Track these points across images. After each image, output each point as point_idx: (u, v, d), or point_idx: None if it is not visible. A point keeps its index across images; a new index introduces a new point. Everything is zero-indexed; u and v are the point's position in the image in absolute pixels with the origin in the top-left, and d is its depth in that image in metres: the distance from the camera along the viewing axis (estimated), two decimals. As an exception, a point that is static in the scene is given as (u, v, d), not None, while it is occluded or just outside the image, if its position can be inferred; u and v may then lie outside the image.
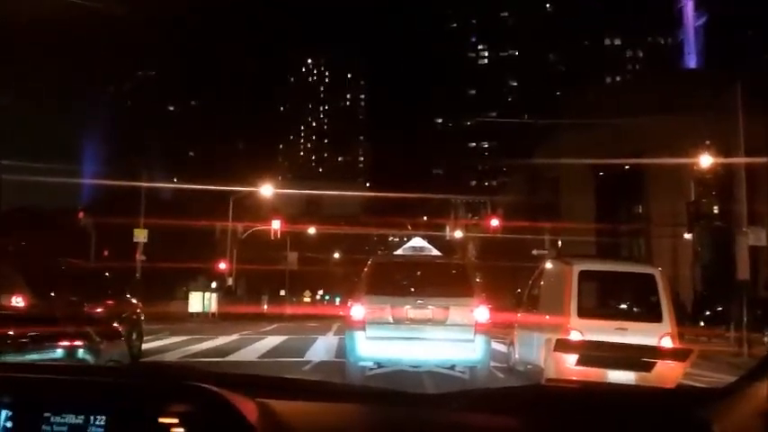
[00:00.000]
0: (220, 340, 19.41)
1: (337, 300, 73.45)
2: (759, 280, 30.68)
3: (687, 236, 32.36)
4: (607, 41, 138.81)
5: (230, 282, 37.49)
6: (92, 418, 1.50)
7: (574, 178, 39.84)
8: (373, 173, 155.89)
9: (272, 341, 19.34)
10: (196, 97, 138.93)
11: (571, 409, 1.59)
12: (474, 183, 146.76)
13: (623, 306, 11.33)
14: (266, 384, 1.77)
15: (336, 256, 70.50)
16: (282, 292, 50.38)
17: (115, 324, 10.90)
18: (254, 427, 1.43)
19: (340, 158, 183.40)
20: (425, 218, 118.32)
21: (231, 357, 14.74)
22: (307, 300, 60.22)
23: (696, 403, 1.48)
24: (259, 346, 17.88)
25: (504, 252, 41.40)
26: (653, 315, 10.14)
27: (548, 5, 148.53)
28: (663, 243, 33.93)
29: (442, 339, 10.00)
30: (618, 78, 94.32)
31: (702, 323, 25.05)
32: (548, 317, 10.91)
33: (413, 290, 10.55)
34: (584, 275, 10.55)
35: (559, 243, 41.32)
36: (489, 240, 49.20)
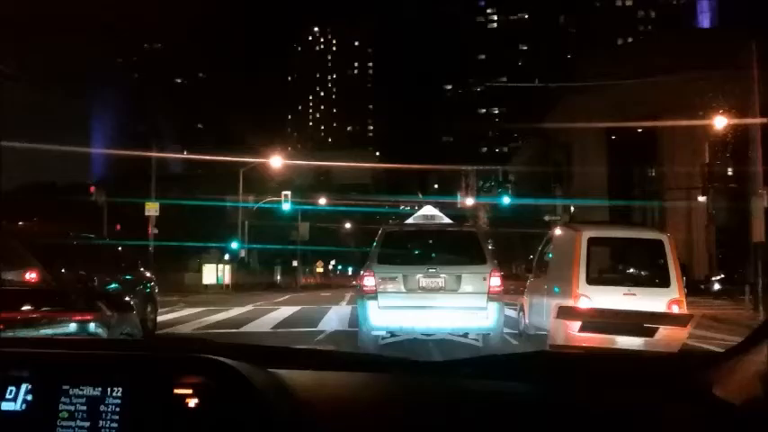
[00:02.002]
0: (234, 311, 19.51)
1: (350, 270, 73.72)
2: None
3: (701, 199, 32.00)
4: (618, 2, 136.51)
5: (243, 254, 37.58)
6: (108, 389, 1.54)
7: (586, 142, 39.42)
8: (383, 142, 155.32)
9: (286, 312, 19.41)
10: (204, 69, 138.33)
11: (575, 374, 1.63)
12: (485, 150, 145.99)
13: (631, 272, 11.23)
14: (279, 355, 1.80)
15: (348, 226, 70.59)
16: (295, 263, 50.49)
17: (127, 297, 10.90)
18: (267, 397, 1.47)
19: (349, 128, 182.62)
20: (436, 186, 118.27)
21: (245, 328, 14.80)
22: (319, 270, 60.36)
23: (697, 367, 1.50)
24: (272, 316, 17.95)
25: (517, 218, 41.28)
26: (661, 281, 10.15)
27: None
28: (677, 206, 33.58)
29: (455, 307, 9.99)
30: (630, 40, 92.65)
31: (718, 285, 24.86)
32: (557, 283, 10.96)
33: (424, 258, 10.55)
34: (592, 241, 10.53)
35: (572, 208, 41.13)
36: (501, 207, 49.00)
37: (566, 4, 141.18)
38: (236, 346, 1.91)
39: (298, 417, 1.46)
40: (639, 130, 37.69)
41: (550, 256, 12.14)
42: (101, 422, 1.52)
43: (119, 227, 32.81)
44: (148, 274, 15.02)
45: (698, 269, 32.15)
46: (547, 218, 39.23)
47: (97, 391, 1.54)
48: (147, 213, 30.37)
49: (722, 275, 26.04)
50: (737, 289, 23.12)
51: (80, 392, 1.55)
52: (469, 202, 57.93)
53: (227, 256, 37.98)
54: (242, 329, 14.55)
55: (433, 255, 10.62)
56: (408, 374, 1.74)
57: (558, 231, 12.56)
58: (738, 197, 33.54)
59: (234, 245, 36.90)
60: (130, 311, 7.81)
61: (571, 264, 10.36)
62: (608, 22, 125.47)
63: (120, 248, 15.09)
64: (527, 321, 12.19)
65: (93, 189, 32.14)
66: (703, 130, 30.83)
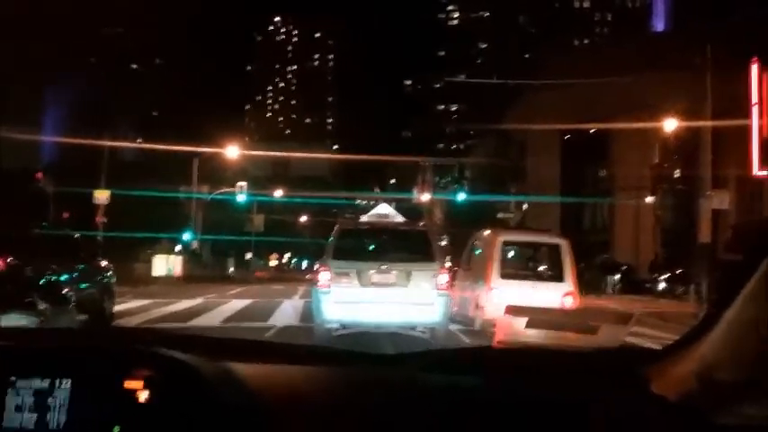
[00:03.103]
0: (184, 304, 19.25)
1: (305, 263, 73.46)
2: (719, 243, 31.46)
3: (649, 199, 32.86)
4: (576, 4, 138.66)
5: (195, 245, 37.05)
6: (57, 381, 1.51)
7: (541, 141, 40.03)
8: (342, 135, 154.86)
9: (237, 305, 19.24)
10: (160, 55, 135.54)
11: (519, 369, 1.67)
12: (442, 146, 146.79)
13: (536, 269, 13.93)
14: (230, 347, 1.79)
15: (304, 218, 70.25)
16: (249, 256, 50.02)
17: (65, 290, 10.56)
18: (218, 390, 1.47)
19: (308, 120, 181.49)
20: (393, 181, 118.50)
21: (194, 322, 14.61)
22: (273, 263, 59.96)
23: (637, 363, 1.53)
24: (223, 310, 17.78)
25: (473, 215, 41.66)
26: (558, 276, 12.81)
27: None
28: (626, 207, 34.44)
29: (405, 302, 10.55)
30: (586, 41, 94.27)
31: (663, 285, 25.57)
32: (477, 277, 13.25)
33: (377, 255, 11.11)
34: (505, 244, 13.38)
35: (524, 206, 41.76)
36: (456, 203, 49.47)
37: (526, 4, 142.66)
38: (187, 338, 1.90)
39: (249, 410, 1.46)
40: (592, 131, 38.42)
41: (475, 253, 14.30)
42: (49, 415, 1.50)
43: (67, 215, 31.99)
44: (105, 264, 14.75)
45: (644, 268, 32.99)
46: (501, 215, 39.79)
47: (45, 383, 1.52)
48: (95, 202, 29.64)
49: (668, 275, 26.79)
50: (682, 288, 23.81)
51: (28, 384, 1.53)
52: (425, 198, 58.50)
53: (178, 248, 37.40)
54: (190, 323, 14.34)
55: (386, 252, 11.13)
56: (361, 367, 1.75)
57: (482, 233, 14.62)
58: (685, 198, 34.60)
59: (186, 236, 36.34)
60: (67, 305, 7.61)
61: (488, 261, 12.95)
62: (566, 23, 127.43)
63: (76, 236, 14.74)
64: (455, 309, 13.29)
65: (40, 176, 31.25)
66: (654, 132, 31.67)
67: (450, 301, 11.51)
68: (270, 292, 27.09)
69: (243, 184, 34.52)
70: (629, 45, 41.26)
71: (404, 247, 11.31)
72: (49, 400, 1.51)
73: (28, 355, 1.66)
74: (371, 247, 11.50)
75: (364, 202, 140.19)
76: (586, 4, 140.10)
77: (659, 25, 49.97)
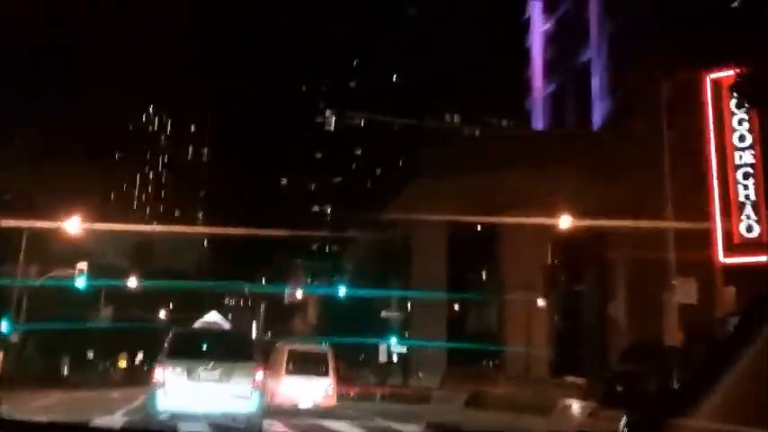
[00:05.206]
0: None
1: (160, 364, 65.75)
2: (612, 351, 29.64)
3: (541, 302, 30.89)
4: (447, 119, 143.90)
5: (15, 338, 30.36)
6: None
7: (426, 236, 37.75)
8: (213, 232, 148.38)
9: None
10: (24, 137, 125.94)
11: None
12: (316, 246, 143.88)
13: (313, 368, 19.38)
14: None
15: (162, 315, 63.53)
16: (91, 355, 42.94)
17: None
18: None
19: (177, 213, 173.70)
20: (264, 280, 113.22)
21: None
22: (122, 365, 52.37)
23: None
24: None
25: (351, 314, 38.14)
26: (324, 373, 19.21)
27: (394, 77, 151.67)
28: (516, 308, 32.12)
29: (226, 395, 12.39)
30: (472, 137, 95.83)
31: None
32: (274, 371, 18.71)
33: (205, 354, 13.00)
34: (291, 352, 19.70)
35: (409, 305, 38.81)
36: (333, 301, 45.82)
37: (404, 109, 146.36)
38: None
39: None
40: (479, 228, 36.70)
41: (274, 356, 20.37)
42: None
43: None
44: None
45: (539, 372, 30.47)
46: (384, 314, 36.70)
47: None
48: None
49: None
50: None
51: None
52: (299, 294, 54.65)
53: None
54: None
55: (212, 352, 13.04)
56: None
57: (279, 343, 21.99)
58: (580, 301, 33.08)
59: (3, 326, 29.42)
60: None
61: (280, 362, 19.16)
62: (439, 133, 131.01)
63: None
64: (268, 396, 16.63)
65: None
66: (545, 229, 30.11)
67: (264, 394, 13.69)
68: (99, 401, 21.43)
69: (83, 265, 28.85)
70: (514, 140, 40.68)
71: (227, 348, 13.35)
72: None
73: None
74: (200, 349, 13.28)
75: (233, 301, 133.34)
76: (456, 119, 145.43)
77: (538, 123, 50.59)
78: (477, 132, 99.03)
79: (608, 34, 43.35)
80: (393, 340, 36.15)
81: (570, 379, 16.97)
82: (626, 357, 26.72)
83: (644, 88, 34.18)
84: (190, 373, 12.26)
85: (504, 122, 77.97)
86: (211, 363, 12.42)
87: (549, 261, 30.60)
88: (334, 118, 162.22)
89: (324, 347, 20.85)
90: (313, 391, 18.69)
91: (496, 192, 33.15)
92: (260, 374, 12.67)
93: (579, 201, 28.71)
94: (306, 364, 19.31)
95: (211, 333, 14.46)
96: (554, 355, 31.19)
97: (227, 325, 15.91)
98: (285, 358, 18.90)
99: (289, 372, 18.55)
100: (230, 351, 13.01)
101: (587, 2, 46.64)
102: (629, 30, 39.30)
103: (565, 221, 27.43)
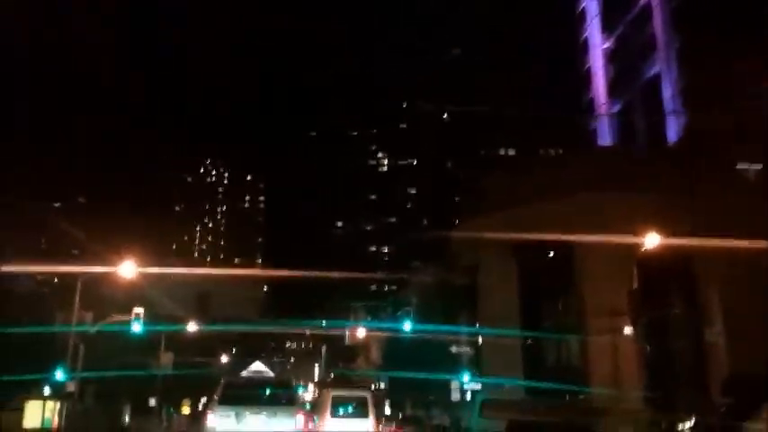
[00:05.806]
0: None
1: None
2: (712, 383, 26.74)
3: (628, 330, 28.22)
4: (502, 152, 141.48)
5: (72, 387, 29.16)
6: None
7: (493, 266, 35.54)
8: (271, 277, 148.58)
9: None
10: (85, 194, 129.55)
11: None
12: (374, 287, 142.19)
13: (353, 410, 21.88)
14: None
15: (224, 359, 62.59)
16: (152, 402, 41.83)
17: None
18: None
19: (237, 260, 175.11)
20: (324, 323, 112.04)
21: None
22: (185, 411, 51.24)
23: None
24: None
25: (419, 352, 36.06)
26: (364, 414, 21.59)
27: (444, 116, 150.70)
28: (601, 338, 29.42)
29: None
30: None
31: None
32: (320, 413, 22.48)
33: (252, 400, 15.22)
34: (335, 396, 22.40)
35: (480, 340, 36.46)
36: (397, 340, 43.77)
37: (453, 151, 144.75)
38: None
39: None
40: (551, 255, 34.31)
41: (320, 399, 25.36)
42: None
43: None
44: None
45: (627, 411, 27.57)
46: (454, 349, 34.54)
47: None
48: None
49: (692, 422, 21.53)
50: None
51: None
52: (361, 333, 52.85)
53: (46, 390, 29.60)
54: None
55: (258, 398, 15.28)
56: None
57: (324, 388, 28.08)
58: (673, 327, 30.30)
59: (59, 375, 28.14)
60: None
61: (324, 405, 22.23)
62: (491, 166, 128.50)
63: None
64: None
65: None
66: (628, 251, 27.69)
67: None
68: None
69: (139, 310, 27.65)
70: (578, 160, 38.28)
71: (271, 394, 15.40)
72: None
73: None
74: (247, 395, 15.23)
75: (294, 345, 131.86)
76: (511, 153, 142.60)
77: (605, 142, 48.23)
78: (537, 158, 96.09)
79: (677, 47, 41.26)
80: (466, 377, 33.77)
81: None
82: (728, 389, 23.90)
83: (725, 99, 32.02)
84: (238, 416, 14.48)
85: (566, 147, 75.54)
86: (257, 407, 14.61)
87: (635, 285, 28.03)
88: (386, 159, 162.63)
89: (364, 392, 23.20)
90: (354, 430, 21.17)
91: (571, 214, 30.88)
92: (300, 417, 15.26)
93: (664, 219, 26.31)
94: (347, 408, 21.82)
95: (257, 381, 16.87)
96: (646, 389, 28.34)
97: (271, 373, 19.29)
98: (329, 402, 21.62)
99: (332, 414, 21.34)
100: (274, 397, 15.33)
101: (651, 17, 44.65)
102: (702, 42, 37.41)
103: (652, 240, 25.11)
